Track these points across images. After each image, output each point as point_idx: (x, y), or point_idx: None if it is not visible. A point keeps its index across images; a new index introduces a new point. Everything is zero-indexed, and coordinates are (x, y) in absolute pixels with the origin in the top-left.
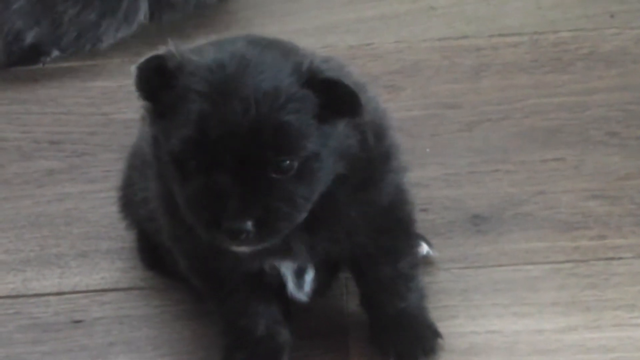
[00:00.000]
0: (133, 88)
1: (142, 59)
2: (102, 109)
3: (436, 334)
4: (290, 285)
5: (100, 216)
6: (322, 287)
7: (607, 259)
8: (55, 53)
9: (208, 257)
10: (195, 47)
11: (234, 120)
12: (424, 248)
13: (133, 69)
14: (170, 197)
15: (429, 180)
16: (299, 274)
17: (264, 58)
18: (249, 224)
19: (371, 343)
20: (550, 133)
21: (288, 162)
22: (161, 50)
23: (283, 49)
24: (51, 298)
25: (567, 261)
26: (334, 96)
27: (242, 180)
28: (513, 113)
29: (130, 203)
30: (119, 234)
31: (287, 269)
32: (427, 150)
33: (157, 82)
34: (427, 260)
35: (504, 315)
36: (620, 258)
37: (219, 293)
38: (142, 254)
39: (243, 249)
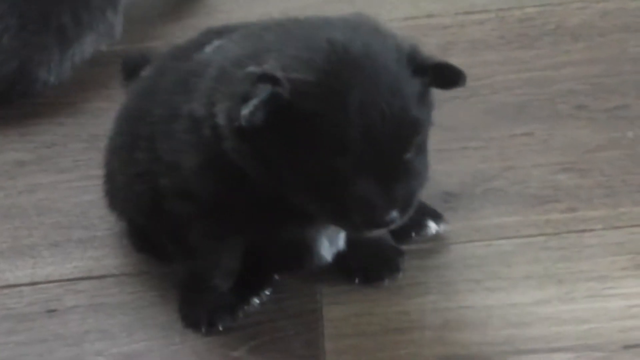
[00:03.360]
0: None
1: (254, 99)
2: (69, 99)
3: (399, 253)
4: (325, 245)
5: (71, 206)
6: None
7: (578, 231)
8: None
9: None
10: (283, 62)
11: (380, 124)
12: (433, 228)
13: (245, 111)
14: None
15: None
16: (334, 234)
17: (367, 51)
18: (396, 212)
19: (337, 269)
20: (518, 108)
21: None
22: (263, 79)
23: (371, 32)
24: (25, 288)
25: (539, 235)
26: (439, 76)
27: (384, 174)
28: (481, 90)
29: (116, 189)
30: (91, 223)
31: (325, 230)
32: None
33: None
34: (438, 238)
35: (477, 291)
36: (591, 230)
37: (210, 259)
38: (132, 239)
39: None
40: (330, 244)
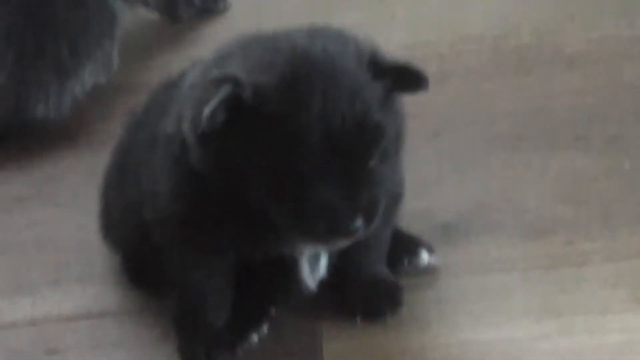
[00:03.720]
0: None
1: (214, 99)
2: (68, 132)
3: (399, 287)
4: (305, 270)
5: (70, 241)
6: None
7: (577, 263)
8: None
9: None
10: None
11: (341, 126)
12: (425, 259)
13: (206, 111)
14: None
15: None
16: (315, 260)
17: (327, 54)
18: (360, 220)
19: (338, 306)
20: (515, 138)
21: (379, 150)
22: (224, 81)
23: (332, 36)
24: (24, 328)
25: (537, 267)
26: (400, 79)
27: (347, 179)
28: (478, 119)
29: (112, 223)
30: (89, 259)
31: (305, 254)
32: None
33: (232, 113)
34: (432, 269)
35: (477, 325)
36: (590, 262)
37: (199, 291)
38: (129, 274)
39: (346, 241)
40: (312, 269)
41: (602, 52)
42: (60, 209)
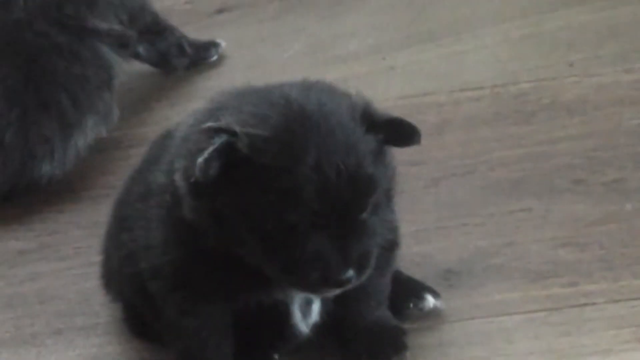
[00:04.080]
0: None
1: (208, 148)
2: (69, 186)
3: (402, 331)
4: (297, 316)
5: (73, 293)
6: (323, 319)
7: (579, 305)
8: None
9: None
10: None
11: (335, 180)
12: (430, 302)
13: (200, 161)
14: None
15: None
16: (306, 305)
17: (321, 108)
18: (352, 271)
19: (342, 352)
20: (516, 184)
21: (371, 203)
22: (219, 131)
23: (325, 90)
24: None
25: (540, 310)
26: (392, 132)
27: (339, 231)
28: (478, 166)
29: (112, 273)
30: (92, 310)
31: (296, 300)
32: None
33: (226, 163)
34: (434, 314)
35: None
36: (593, 304)
37: (195, 338)
38: (129, 324)
39: (338, 291)
40: (304, 315)
41: (601, 97)
42: (63, 261)
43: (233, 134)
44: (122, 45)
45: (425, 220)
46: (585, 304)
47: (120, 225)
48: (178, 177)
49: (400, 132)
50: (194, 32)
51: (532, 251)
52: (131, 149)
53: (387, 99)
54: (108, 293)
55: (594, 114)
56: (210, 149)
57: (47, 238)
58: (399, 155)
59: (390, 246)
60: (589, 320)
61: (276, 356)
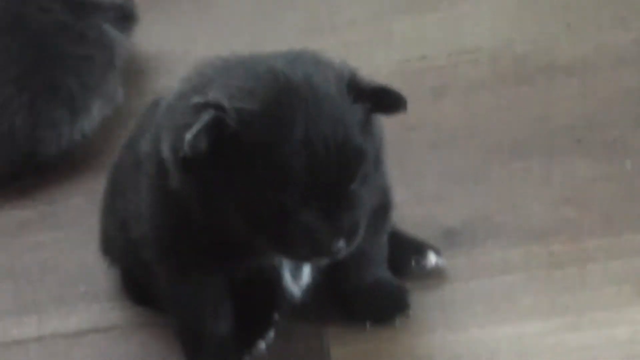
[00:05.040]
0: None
1: (197, 124)
2: (70, 156)
3: (404, 290)
4: (288, 279)
5: (74, 261)
6: (315, 281)
7: (581, 262)
8: None
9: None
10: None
11: (324, 153)
12: (432, 259)
13: (189, 136)
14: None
15: (399, 201)
16: (296, 269)
17: (308, 80)
18: (342, 242)
19: (346, 313)
20: (515, 145)
21: (360, 174)
22: (207, 106)
23: (310, 61)
24: (31, 344)
25: (542, 267)
26: (380, 101)
27: (329, 203)
28: (477, 129)
29: (109, 240)
30: (94, 277)
31: (286, 264)
32: (394, 173)
33: (215, 139)
34: (436, 272)
35: (484, 325)
36: (594, 260)
37: (191, 303)
38: (128, 290)
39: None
40: (294, 277)
41: (600, 58)
42: (63, 230)
43: (221, 108)
44: (125, 17)
45: (426, 182)
46: (587, 261)
47: (114, 192)
48: (165, 150)
49: (386, 100)
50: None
51: (534, 210)
52: (130, 120)
53: (386, 64)
54: (106, 259)
55: (592, 75)
56: (199, 124)
57: (47, 208)
58: (397, 119)
59: (383, 209)
60: (591, 277)
61: (276, 316)
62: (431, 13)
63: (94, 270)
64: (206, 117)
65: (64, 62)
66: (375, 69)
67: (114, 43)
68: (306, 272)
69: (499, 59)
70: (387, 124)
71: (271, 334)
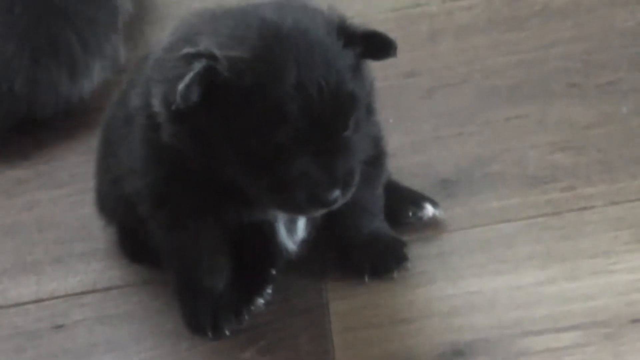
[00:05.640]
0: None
1: (188, 74)
2: (64, 114)
3: (402, 243)
4: (283, 234)
5: (71, 220)
6: (310, 235)
7: (578, 209)
8: None
9: (210, 211)
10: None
11: (317, 97)
12: (429, 210)
13: (181, 87)
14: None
15: (395, 149)
16: (291, 223)
17: (298, 26)
18: (338, 191)
19: (344, 267)
20: (511, 91)
21: (353, 120)
22: (198, 56)
23: (299, 8)
24: (30, 306)
25: (540, 215)
26: (370, 45)
27: (323, 150)
28: (472, 75)
29: (104, 197)
30: (91, 236)
31: (280, 218)
32: (390, 120)
33: (207, 88)
34: (434, 223)
35: (482, 275)
36: (592, 207)
37: (188, 256)
38: (125, 248)
39: (323, 211)
40: (289, 232)
41: (593, 0)
42: (60, 189)
43: (212, 57)
44: None
45: (421, 131)
46: (584, 207)
47: (107, 148)
48: (156, 104)
49: (376, 44)
50: None
51: (530, 157)
52: (125, 74)
53: (380, 11)
54: (102, 217)
55: (587, 17)
56: (191, 74)
57: (43, 166)
58: (393, 67)
59: (377, 159)
60: (589, 223)
61: (273, 271)
62: None
63: (92, 228)
64: (198, 66)
65: (67, 21)
66: (369, 17)
67: (117, 4)
68: (301, 226)
69: (492, 4)
70: (382, 72)
71: (269, 290)
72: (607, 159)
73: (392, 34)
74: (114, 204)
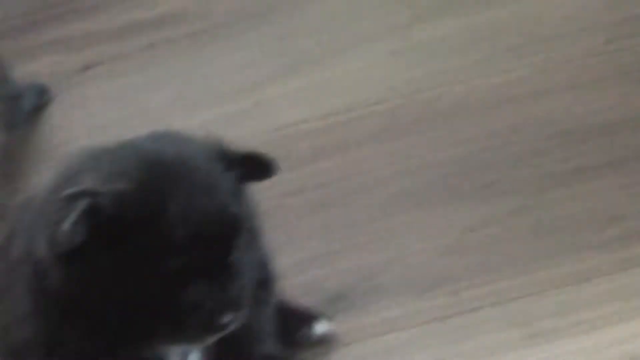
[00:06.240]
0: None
1: (72, 214)
2: None
3: None
4: None
5: None
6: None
7: (465, 312)
8: None
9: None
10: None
11: (203, 222)
12: (321, 327)
13: (65, 227)
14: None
15: (283, 269)
16: (184, 353)
17: (178, 154)
18: (230, 315)
19: None
20: (393, 200)
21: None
22: (80, 195)
23: (176, 137)
24: None
25: (429, 321)
26: (251, 167)
27: (213, 275)
28: (355, 188)
29: None
30: None
31: (173, 351)
32: (277, 241)
33: (93, 226)
34: (327, 339)
35: None
36: (478, 309)
37: None
38: None
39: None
40: None
41: (472, 103)
42: None
43: (95, 194)
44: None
45: (307, 248)
46: (471, 310)
47: None
48: (42, 249)
49: (257, 166)
50: (65, 92)
51: (416, 264)
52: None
53: (261, 133)
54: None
55: (466, 120)
56: (74, 214)
57: None
58: (276, 187)
59: (265, 282)
60: (476, 325)
61: None
62: (302, 77)
63: None
64: (81, 205)
65: None
66: (250, 139)
67: None
68: (193, 358)
69: (372, 116)
70: (266, 192)
71: None
72: (489, 259)
73: (274, 153)
74: (5, 352)
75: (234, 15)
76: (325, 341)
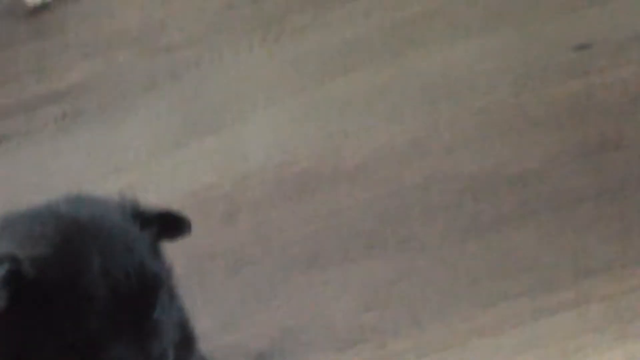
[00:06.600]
0: None
1: None
2: None
3: None
4: None
5: None
6: None
7: None
8: None
9: None
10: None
11: (124, 281)
12: None
13: None
14: None
15: (206, 331)
16: None
17: (94, 216)
18: None
19: None
20: (312, 259)
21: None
22: None
23: (90, 199)
24: None
25: None
26: (165, 225)
27: (135, 334)
28: (272, 249)
29: None
30: None
31: None
32: (197, 303)
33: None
34: None
35: None
36: None
37: None
38: None
39: None
40: None
41: (379, 160)
42: None
43: (14, 260)
44: None
45: (230, 309)
46: None
47: None
48: None
49: (171, 223)
50: None
51: (338, 320)
52: None
53: (173, 199)
54: None
55: (376, 177)
56: None
57: None
58: (194, 249)
59: (186, 344)
60: None
61: None
62: (212, 141)
63: None
64: (1, 271)
65: None
66: (162, 204)
67: None
68: None
69: (283, 177)
70: (184, 256)
71: None
72: (411, 312)
73: (189, 216)
74: None
75: (141, 85)
76: None
